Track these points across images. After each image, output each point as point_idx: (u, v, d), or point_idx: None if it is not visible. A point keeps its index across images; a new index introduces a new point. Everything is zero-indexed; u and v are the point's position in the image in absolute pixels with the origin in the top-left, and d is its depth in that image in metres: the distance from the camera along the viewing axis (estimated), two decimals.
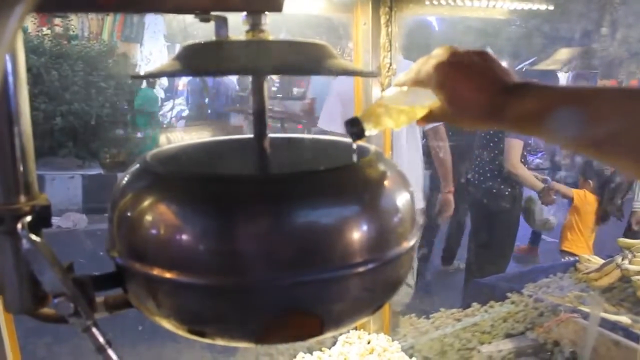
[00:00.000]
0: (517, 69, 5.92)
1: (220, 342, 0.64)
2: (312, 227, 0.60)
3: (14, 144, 0.61)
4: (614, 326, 1.69)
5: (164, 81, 9.89)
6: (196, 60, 0.66)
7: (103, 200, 0.68)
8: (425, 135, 3.18)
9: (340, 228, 0.61)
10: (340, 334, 1.61)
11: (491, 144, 3.68)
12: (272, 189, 0.61)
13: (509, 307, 2.07)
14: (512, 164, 3.55)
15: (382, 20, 1.47)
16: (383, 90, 1.47)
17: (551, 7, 1.73)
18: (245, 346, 0.82)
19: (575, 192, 3.99)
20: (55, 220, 6.30)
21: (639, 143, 0.61)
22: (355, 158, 0.73)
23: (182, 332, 0.64)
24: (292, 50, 0.66)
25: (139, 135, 8.38)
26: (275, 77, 8.83)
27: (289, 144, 0.89)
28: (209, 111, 10.46)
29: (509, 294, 2.17)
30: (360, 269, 0.62)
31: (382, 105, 0.76)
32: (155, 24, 10.68)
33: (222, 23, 0.68)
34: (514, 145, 3.54)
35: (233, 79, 9.73)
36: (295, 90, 10.28)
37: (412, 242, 0.69)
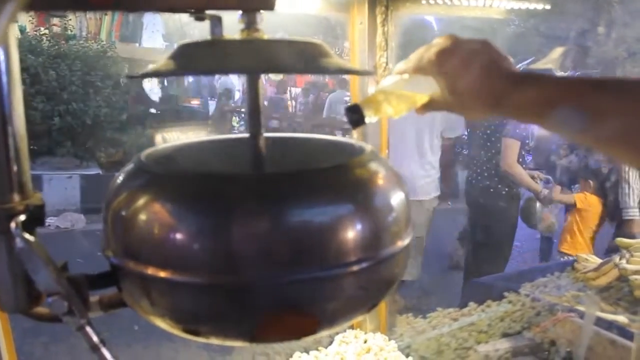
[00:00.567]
0: None
1: (214, 341, 0.64)
2: (307, 226, 0.60)
3: (8, 144, 0.61)
4: (610, 325, 1.69)
5: None
6: (191, 60, 0.66)
7: (101, 200, 0.68)
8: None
9: (335, 227, 0.61)
10: (337, 334, 1.61)
11: (488, 143, 3.67)
12: (266, 188, 0.61)
13: (506, 306, 2.07)
14: (508, 164, 3.54)
15: (379, 19, 1.47)
16: None
17: (548, 7, 1.73)
18: (240, 345, 0.82)
19: (576, 197, 3.96)
20: (53, 220, 6.31)
21: (637, 131, 0.61)
22: (349, 157, 0.72)
23: (176, 331, 0.64)
24: (287, 49, 0.66)
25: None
26: None
27: (285, 143, 0.89)
28: None
29: (506, 294, 2.17)
30: (355, 268, 0.62)
31: (383, 93, 0.76)
32: (154, 24, 10.69)
33: (216, 22, 0.68)
34: (510, 145, 3.53)
35: None
36: None
37: (406, 241, 0.69)
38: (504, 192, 3.65)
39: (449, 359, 1.71)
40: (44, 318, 0.67)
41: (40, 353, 2.92)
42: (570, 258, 2.99)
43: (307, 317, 0.63)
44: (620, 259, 2.24)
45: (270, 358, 1.54)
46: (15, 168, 0.62)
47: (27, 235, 0.61)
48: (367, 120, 0.75)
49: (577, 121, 0.64)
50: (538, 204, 3.94)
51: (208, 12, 0.67)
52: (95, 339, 0.63)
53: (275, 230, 0.59)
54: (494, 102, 0.70)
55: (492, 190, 3.66)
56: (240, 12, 0.68)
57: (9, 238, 0.61)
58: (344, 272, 0.62)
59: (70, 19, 8.85)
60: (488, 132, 3.67)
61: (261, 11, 0.68)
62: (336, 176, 0.65)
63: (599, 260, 2.39)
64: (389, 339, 1.62)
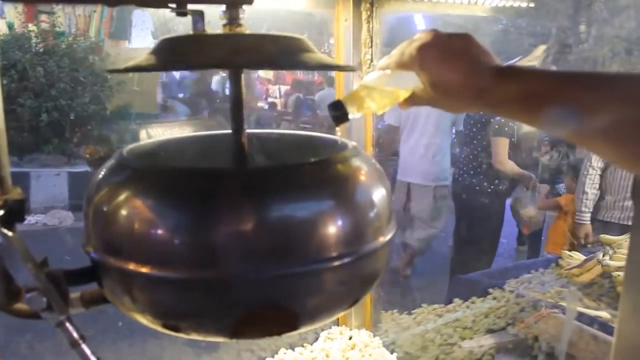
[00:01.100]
0: None
1: (195, 336, 0.64)
2: (287, 221, 0.60)
3: None
4: (593, 321, 1.71)
5: None
6: (172, 54, 0.66)
7: None
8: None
9: (316, 222, 0.61)
10: (322, 330, 1.62)
11: (475, 141, 3.70)
12: (247, 183, 0.61)
13: (490, 302, 2.09)
14: (500, 161, 3.60)
15: (363, 16, 1.47)
16: None
17: (532, 4, 1.74)
18: (221, 341, 0.82)
19: (561, 200, 3.99)
20: (40, 217, 6.26)
21: (619, 127, 0.61)
22: (331, 153, 0.73)
23: (157, 327, 0.64)
24: (269, 44, 0.66)
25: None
26: None
27: (267, 139, 0.89)
28: None
29: (491, 290, 2.18)
30: (336, 263, 0.62)
31: (365, 88, 0.76)
32: (143, 22, 10.59)
33: (198, 17, 0.68)
34: (500, 143, 3.59)
35: None
36: None
37: (388, 236, 0.70)
38: (489, 190, 3.68)
39: (433, 355, 1.71)
40: (24, 314, 0.66)
41: (25, 352, 2.89)
42: (555, 255, 3.01)
43: (287, 313, 0.63)
44: (603, 255, 2.27)
45: (255, 354, 1.53)
46: None
47: (5, 231, 0.60)
48: (350, 116, 0.74)
49: (559, 115, 0.64)
50: (524, 202, 3.97)
51: (190, 7, 0.67)
52: (75, 334, 0.63)
53: (255, 225, 0.59)
54: (476, 96, 0.69)
55: (477, 187, 3.69)
56: (222, 7, 0.68)
57: None
58: (326, 267, 0.62)
59: (59, 16, 8.74)
60: (474, 129, 3.71)
61: (243, 7, 0.68)
62: (318, 171, 0.65)
63: (583, 257, 2.41)
64: (374, 335, 1.63)
